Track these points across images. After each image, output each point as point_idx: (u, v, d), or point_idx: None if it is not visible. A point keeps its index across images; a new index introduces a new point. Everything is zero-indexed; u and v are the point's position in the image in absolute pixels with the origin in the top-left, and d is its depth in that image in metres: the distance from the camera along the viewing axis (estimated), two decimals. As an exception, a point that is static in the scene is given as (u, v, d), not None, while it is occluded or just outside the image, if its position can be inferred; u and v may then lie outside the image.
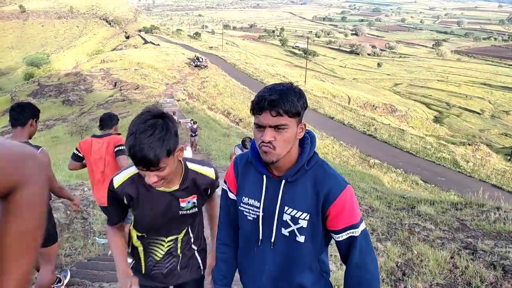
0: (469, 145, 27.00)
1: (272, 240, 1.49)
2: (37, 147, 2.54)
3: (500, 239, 5.02)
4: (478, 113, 57.42)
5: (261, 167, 1.49)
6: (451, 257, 4.17)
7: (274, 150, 1.36)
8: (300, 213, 1.42)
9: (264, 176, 1.49)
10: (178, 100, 30.23)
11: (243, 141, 6.33)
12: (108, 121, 3.79)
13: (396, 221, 6.02)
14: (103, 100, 33.29)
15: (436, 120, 50.66)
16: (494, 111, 59.47)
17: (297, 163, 1.43)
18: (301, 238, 1.44)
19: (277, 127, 1.34)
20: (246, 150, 7.22)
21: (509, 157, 26.18)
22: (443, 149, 24.54)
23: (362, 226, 1.41)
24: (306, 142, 1.47)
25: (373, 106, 42.88)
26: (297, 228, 1.44)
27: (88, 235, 4.98)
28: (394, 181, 18.11)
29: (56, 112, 34.37)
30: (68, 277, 3.31)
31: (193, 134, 15.56)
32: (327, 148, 23.45)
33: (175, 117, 9.95)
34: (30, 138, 2.69)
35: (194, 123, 15.83)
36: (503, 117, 57.13)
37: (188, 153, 8.91)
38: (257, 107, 1.35)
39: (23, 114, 2.64)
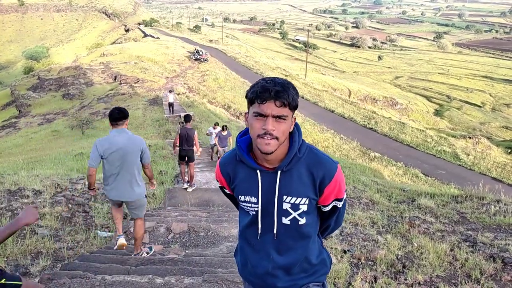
0: (470, 138, 26.95)
1: (275, 231, 1.54)
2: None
3: (500, 231, 5.05)
4: (479, 106, 57.25)
5: (253, 163, 1.51)
6: (451, 250, 4.19)
7: (274, 140, 1.40)
8: (299, 199, 1.49)
9: (258, 171, 1.51)
10: (178, 94, 30.16)
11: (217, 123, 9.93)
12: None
13: (397, 214, 6.04)
14: (103, 94, 33.22)
15: (437, 113, 50.57)
16: (494, 104, 59.30)
17: (289, 152, 1.48)
18: (303, 221, 1.53)
19: (278, 118, 1.38)
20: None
21: (509, 150, 26.14)
22: (444, 142, 24.52)
23: (344, 197, 1.60)
24: (293, 130, 1.51)
25: (374, 99, 42.77)
26: (298, 214, 1.51)
27: (90, 229, 5.01)
28: (395, 175, 18.12)
29: (56, 106, 34.34)
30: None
31: (222, 145, 10.73)
32: (327, 141, 23.44)
33: (171, 95, 15.61)
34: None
35: (224, 129, 10.72)
36: (503, 110, 56.95)
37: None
38: (262, 96, 1.37)
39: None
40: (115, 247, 4.10)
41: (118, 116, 3.69)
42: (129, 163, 3.69)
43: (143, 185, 3.87)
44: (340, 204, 1.58)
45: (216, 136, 10.84)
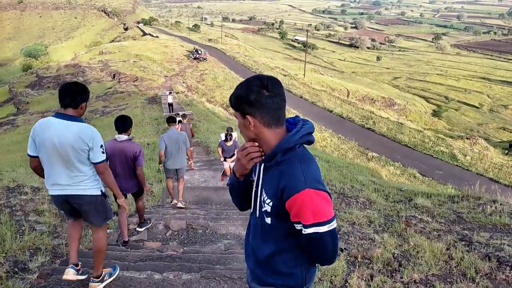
0: (467, 139, 27.05)
1: (257, 215, 1.63)
2: None
3: (496, 231, 5.09)
4: (477, 107, 57.48)
5: None
6: (447, 249, 4.22)
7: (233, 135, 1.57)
8: (266, 198, 1.56)
9: None
10: (177, 93, 30.15)
11: (226, 132, 8.21)
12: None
13: (394, 213, 6.08)
14: (102, 92, 33.19)
15: (435, 114, 50.71)
16: (492, 105, 59.53)
17: (271, 151, 1.52)
18: (267, 220, 1.58)
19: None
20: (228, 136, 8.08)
21: (506, 151, 26.26)
22: (441, 142, 24.59)
23: (315, 230, 1.41)
24: (285, 135, 1.54)
25: (372, 99, 42.85)
26: (263, 210, 1.58)
27: (88, 225, 5.02)
28: (392, 174, 18.17)
29: (55, 103, 34.22)
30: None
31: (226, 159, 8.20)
32: (325, 141, 23.47)
33: (170, 96, 16.25)
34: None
35: (227, 139, 7.99)
36: (501, 111, 57.19)
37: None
38: None
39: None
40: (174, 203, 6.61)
41: (170, 120, 6.41)
42: (180, 146, 6.24)
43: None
44: (306, 231, 1.43)
45: (219, 147, 8.18)
